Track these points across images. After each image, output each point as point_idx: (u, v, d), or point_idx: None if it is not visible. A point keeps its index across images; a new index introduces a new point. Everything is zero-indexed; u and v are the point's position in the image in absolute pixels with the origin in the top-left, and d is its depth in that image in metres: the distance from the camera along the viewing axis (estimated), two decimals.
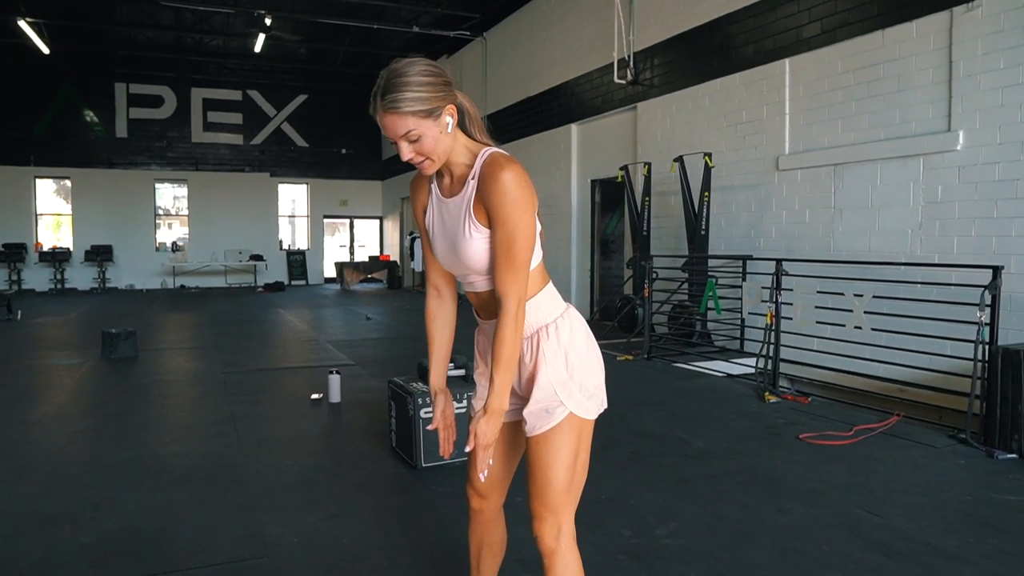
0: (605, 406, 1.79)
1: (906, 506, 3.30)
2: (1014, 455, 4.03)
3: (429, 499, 3.43)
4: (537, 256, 1.72)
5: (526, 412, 1.72)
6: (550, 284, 1.77)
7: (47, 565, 2.73)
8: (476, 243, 1.66)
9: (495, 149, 1.67)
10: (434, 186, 1.78)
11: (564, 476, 1.69)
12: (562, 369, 1.70)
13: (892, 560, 2.73)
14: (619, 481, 3.62)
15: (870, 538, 2.93)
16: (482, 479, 1.81)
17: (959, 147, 5.64)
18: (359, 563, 2.75)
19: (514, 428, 1.88)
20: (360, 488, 3.60)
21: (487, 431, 1.65)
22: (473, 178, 1.65)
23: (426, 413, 3.78)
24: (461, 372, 4.07)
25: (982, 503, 3.35)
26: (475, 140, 1.71)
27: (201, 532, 3.04)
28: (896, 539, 2.92)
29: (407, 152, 1.61)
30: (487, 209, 1.61)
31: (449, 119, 1.62)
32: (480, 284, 1.74)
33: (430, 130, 1.59)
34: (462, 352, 3.90)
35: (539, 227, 1.72)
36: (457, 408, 3.81)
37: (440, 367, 1.92)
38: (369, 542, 2.94)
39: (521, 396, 1.79)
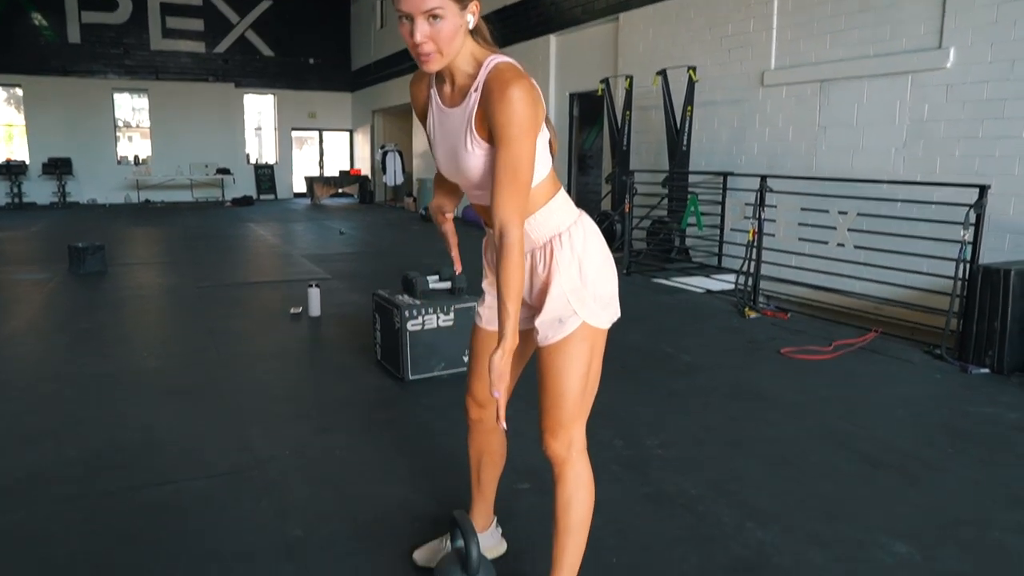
0: (618, 315, 1.74)
1: (887, 419, 3.38)
2: (987, 370, 4.13)
3: (418, 411, 3.42)
4: (547, 165, 1.64)
5: (538, 322, 1.66)
6: (562, 191, 1.69)
7: (34, 480, 2.68)
8: (476, 158, 1.58)
9: (501, 58, 1.54)
10: (434, 92, 1.66)
11: (577, 386, 1.66)
12: (576, 278, 1.64)
13: (877, 470, 2.80)
14: (609, 394, 3.61)
15: (855, 449, 3.00)
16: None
17: (949, 64, 5.55)
18: (352, 475, 2.74)
19: (520, 338, 1.84)
20: (348, 401, 3.59)
21: (502, 363, 1.52)
22: (476, 90, 1.53)
23: (412, 326, 3.74)
24: (447, 285, 4.02)
25: (959, 415, 3.44)
26: (480, 47, 1.58)
27: (189, 445, 3.00)
28: (880, 450, 2.99)
29: (422, 33, 1.45)
30: (490, 126, 1.51)
31: (471, 17, 1.51)
32: (483, 197, 1.65)
33: (453, 17, 1.46)
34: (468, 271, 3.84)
35: (549, 134, 1.63)
36: (444, 320, 3.79)
37: (447, 196, 1.85)
38: (361, 455, 2.93)
39: (531, 306, 1.74)
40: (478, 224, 1.85)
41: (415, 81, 1.74)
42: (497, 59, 1.54)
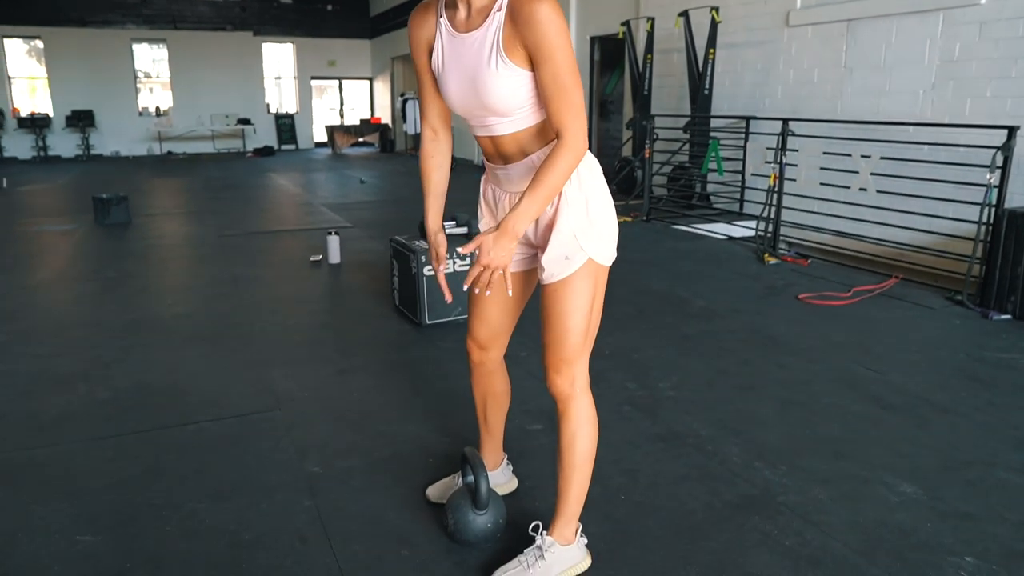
0: (615, 255, 1.74)
1: (902, 363, 3.37)
2: (1008, 316, 4.09)
3: (434, 355, 3.48)
4: None
5: (544, 259, 1.67)
6: None
7: (66, 418, 2.79)
8: (504, 80, 1.54)
9: None
10: (443, 20, 1.63)
11: (582, 323, 1.68)
12: (583, 215, 1.64)
13: (887, 412, 2.82)
14: (622, 337, 3.68)
15: (867, 392, 3.01)
16: (488, 323, 1.73)
17: (983, 0, 5.35)
18: (369, 415, 2.82)
19: (521, 278, 1.86)
20: (366, 345, 3.66)
21: (493, 249, 1.50)
22: (500, 10, 1.51)
23: (429, 271, 3.78)
24: (463, 230, 4.04)
25: (975, 360, 3.43)
26: None
27: (213, 387, 3.09)
28: (892, 393, 3.00)
29: None
30: (526, 46, 1.49)
31: None
32: (501, 126, 1.63)
33: None
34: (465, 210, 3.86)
35: None
36: (461, 265, 3.81)
37: (437, 206, 1.86)
38: (378, 395, 3.01)
39: (535, 245, 1.75)
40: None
41: (419, 15, 1.70)
42: None
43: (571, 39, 1.51)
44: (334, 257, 5.36)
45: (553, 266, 1.66)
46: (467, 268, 3.81)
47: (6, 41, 17.20)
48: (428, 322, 3.82)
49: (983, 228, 4.40)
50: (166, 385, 3.13)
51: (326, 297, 4.68)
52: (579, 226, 1.64)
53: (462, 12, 1.58)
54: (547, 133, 1.61)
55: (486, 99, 1.58)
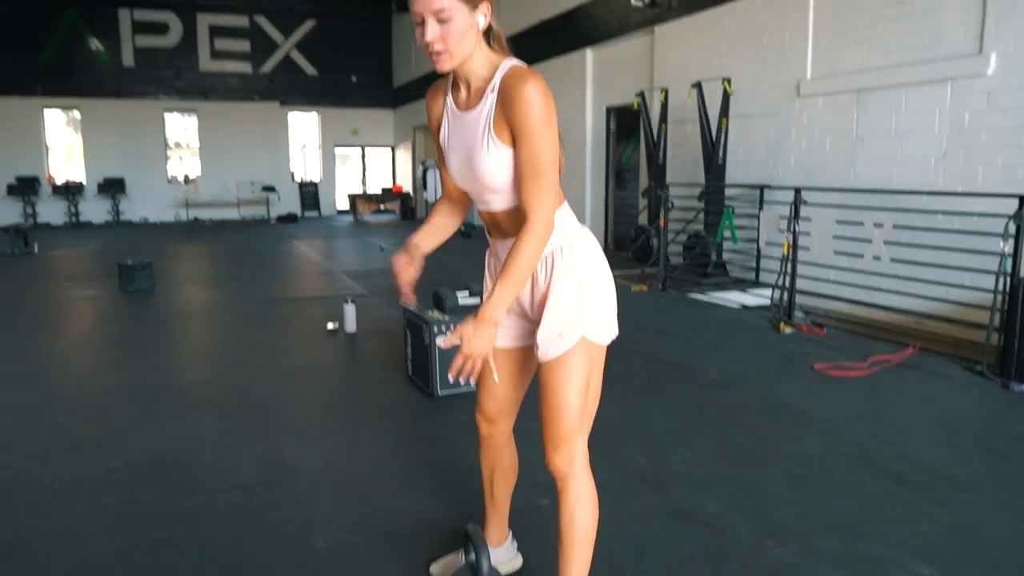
0: (616, 333, 1.76)
1: (920, 436, 3.31)
2: None
3: (445, 426, 3.48)
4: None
5: (538, 336, 1.69)
6: (565, 205, 1.72)
7: (78, 487, 2.81)
8: (494, 159, 1.61)
9: (516, 62, 1.62)
10: (449, 99, 1.72)
11: (577, 402, 1.68)
12: (576, 291, 1.67)
13: (904, 488, 2.76)
14: (634, 409, 3.65)
15: (883, 467, 2.95)
16: (495, 397, 1.74)
17: (990, 71, 5.43)
18: (378, 488, 2.81)
19: (524, 353, 1.88)
20: (378, 416, 3.66)
21: (473, 339, 1.54)
22: (492, 91, 1.60)
23: (441, 342, 3.80)
24: (476, 300, 4.07)
25: (996, 434, 3.36)
26: (496, 53, 1.65)
27: (223, 456, 3.11)
28: (909, 468, 2.94)
29: (431, 33, 1.54)
30: (510, 125, 1.56)
31: (482, 17, 1.59)
32: (495, 202, 1.69)
33: (463, 17, 1.54)
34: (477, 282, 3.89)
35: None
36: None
37: (430, 232, 1.89)
38: (387, 468, 3.00)
39: (532, 320, 1.77)
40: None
41: (431, 95, 1.79)
42: (512, 62, 1.61)
43: (555, 124, 1.57)
44: (350, 326, 5.42)
45: (547, 343, 1.68)
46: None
47: (46, 111, 17.94)
48: (440, 393, 3.82)
49: (999, 297, 4.36)
50: (178, 453, 3.14)
51: (341, 366, 4.71)
52: (572, 303, 1.66)
53: (463, 92, 1.68)
54: None
55: (479, 176, 1.65)
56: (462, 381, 1.59)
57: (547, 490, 2.69)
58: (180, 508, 2.64)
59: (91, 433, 3.40)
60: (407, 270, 1.82)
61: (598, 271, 1.71)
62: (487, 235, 1.82)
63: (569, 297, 1.66)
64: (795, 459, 3.04)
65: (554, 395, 1.69)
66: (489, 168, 1.62)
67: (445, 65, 1.59)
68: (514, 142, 1.58)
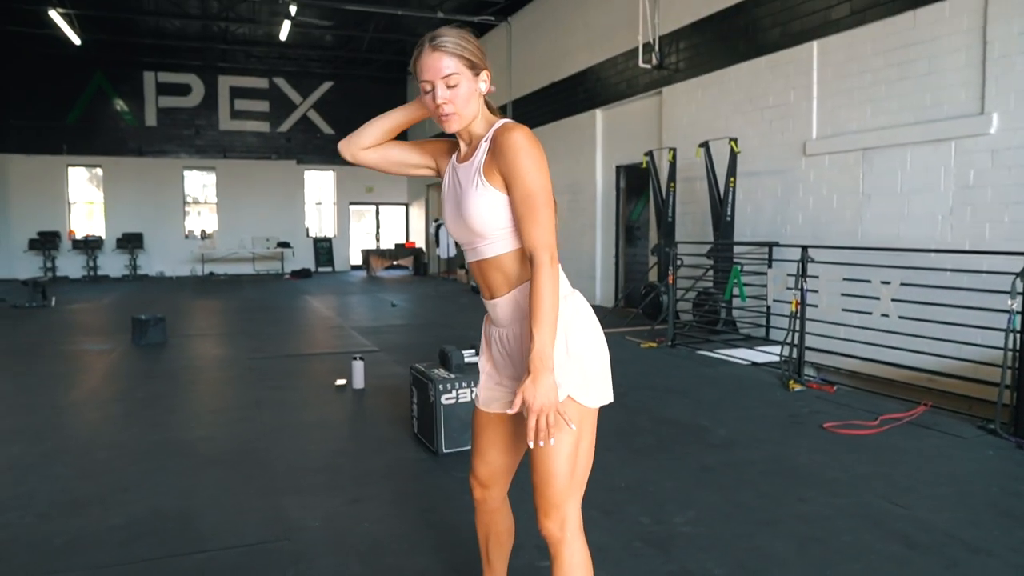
0: (610, 399, 1.74)
1: (931, 497, 3.25)
2: None
3: (449, 485, 3.45)
4: None
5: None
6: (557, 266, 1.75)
7: (78, 545, 2.80)
8: (481, 199, 1.68)
9: (509, 120, 1.73)
10: (454, 157, 1.83)
11: (565, 466, 1.67)
12: (561, 350, 1.66)
13: (914, 552, 2.70)
14: (640, 468, 3.61)
15: (892, 529, 2.90)
16: (488, 463, 1.76)
17: (992, 130, 5.50)
18: (379, 548, 2.78)
19: (516, 420, 1.87)
20: (382, 473, 3.64)
21: (537, 395, 1.52)
22: (486, 141, 1.71)
23: (447, 400, 3.81)
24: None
25: (1010, 495, 3.30)
26: (493, 115, 1.78)
27: (225, 515, 3.09)
28: (919, 530, 2.88)
29: (442, 96, 1.65)
30: (502, 171, 1.65)
31: (483, 84, 1.71)
32: (483, 248, 1.73)
33: (468, 83, 1.67)
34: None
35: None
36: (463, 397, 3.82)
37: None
38: (389, 527, 2.97)
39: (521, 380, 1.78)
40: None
41: (448, 141, 1.90)
42: (506, 120, 1.73)
43: (546, 167, 1.64)
44: (358, 382, 5.43)
45: None
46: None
47: (71, 169, 18.43)
48: (445, 451, 3.81)
49: (1010, 354, 4.32)
50: (179, 511, 3.13)
51: (346, 423, 4.71)
52: (557, 361, 1.64)
53: (463, 146, 1.79)
54: (528, 262, 1.68)
55: (467, 218, 1.71)
56: (542, 443, 1.56)
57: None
58: (180, 567, 2.62)
59: (94, 489, 3.40)
60: None
61: (587, 333, 1.72)
62: (482, 297, 1.85)
63: (555, 357, 1.67)
64: (802, 520, 2.99)
65: (542, 460, 1.68)
66: (476, 209, 1.68)
67: (453, 125, 1.70)
68: (508, 188, 1.65)
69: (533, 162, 1.61)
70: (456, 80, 1.64)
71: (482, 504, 1.97)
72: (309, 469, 3.71)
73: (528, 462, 1.75)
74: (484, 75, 1.70)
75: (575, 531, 1.71)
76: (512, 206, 1.65)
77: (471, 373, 3.92)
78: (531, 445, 1.57)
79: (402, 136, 1.97)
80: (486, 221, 1.69)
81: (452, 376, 3.88)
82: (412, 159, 1.89)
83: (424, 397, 3.98)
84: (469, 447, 3.80)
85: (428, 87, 1.67)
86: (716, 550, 2.70)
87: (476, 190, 1.68)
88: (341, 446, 4.15)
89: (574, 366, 1.68)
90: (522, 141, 1.61)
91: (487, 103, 1.77)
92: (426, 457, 3.86)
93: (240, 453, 3.97)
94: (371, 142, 1.86)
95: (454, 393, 3.83)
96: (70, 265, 17.95)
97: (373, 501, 3.26)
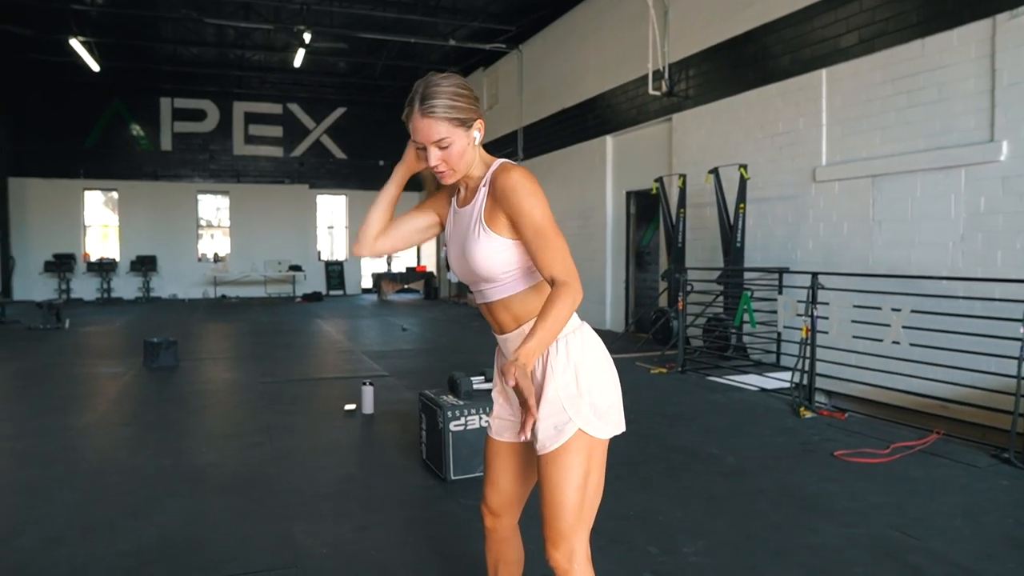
0: (622, 429, 1.76)
1: (944, 528, 3.22)
2: None
3: (457, 512, 3.44)
4: None
5: (537, 428, 1.70)
6: None
7: (87, 570, 2.81)
8: (485, 246, 1.69)
9: (505, 160, 1.74)
10: (454, 200, 1.85)
11: (575, 497, 1.68)
12: (572, 384, 1.69)
13: None
14: (648, 497, 3.60)
15: (904, 561, 2.86)
16: (499, 491, 1.78)
17: (1003, 157, 5.51)
18: (386, 574, 2.77)
19: (528, 449, 1.88)
20: (390, 500, 3.64)
21: (516, 372, 1.48)
22: (484, 186, 1.72)
23: (455, 427, 3.81)
24: (491, 386, 4.08)
25: None
26: (489, 156, 1.79)
27: (234, 541, 3.10)
28: (932, 562, 2.85)
29: (435, 157, 1.68)
30: (506, 213, 1.66)
31: (477, 133, 1.71)
32: (490, 292, 1.76)
33: (460, 139, 1.67)
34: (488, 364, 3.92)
35: None
36: (487, 421, 3.82)
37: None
38: (397, 554, 2.97)
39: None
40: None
41: (445, 192, 1.92)
42: (503, 160, 1.74)
43: (546, 201, 1.65)
44: (367, 407, 5.44)
45: (544, 437, 1.69)
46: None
47: (87, 193, 18.68)
48: (453, 478, 3.80)
49: (1022, 383, 4.28)
50: (189, 537, 3.14)
51: (355, 448, 4.71)
52: (567, 395, 1.67)
53: (462, 191, 1.81)
54: (535, 301, 1.71)
55: (472, 264, 1.73)
56: (510, 381, 1.48)
57: None
58: None
59: (105, 515, 3.41)
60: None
61: (596, 365, 1.73)
62: (493, 332, 1.87)
63: (565, 390, 1.69)
64: (813, 552, 2.96)
65: (552, 490, 1.69)
66: (481, 256, 1.70)
67: (449, 179, 1.73)
68: (516, 228, 1.66)
69: (535, 199, 1.63)
70: (448, 142, 1.67)
71: (493, 532, 1.97)
72: (318, 495, 3.71)
73: (537, 492, 1.76)
74: (477, 124, 1.71)
75: (583, 562, 1.71)
76: (525, 244, 1.65)
77: (480, 400, 3.93)
78: (522, 438, 1.50)
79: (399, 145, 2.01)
80: (491, 267, 1.71)
81: (461, 403, 3.88)
82: (420, 223, 1.92)
83: (433, 423, 3.99)
84: (477, 474, 3.82)
85: (421, 146, 1.70)
86: None
87: (479, 238, 1.70)
88: (350, 472, 4.15)
89: (584, 401, 1.69)
90: (520, 181, 1.63)
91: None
92: (434, 484, 3.85)
93: (249, 479, 3.98)
94: (379, 226, 1.89)
95: (463, 420, 3.83)
96: (84, 287, 18.13)
97: (382, 528, 3.26)
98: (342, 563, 2.88)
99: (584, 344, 1.73)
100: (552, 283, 1.59)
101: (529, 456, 1.89)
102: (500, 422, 1.90)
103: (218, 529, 3.24)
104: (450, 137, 1.66)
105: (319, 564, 2.87)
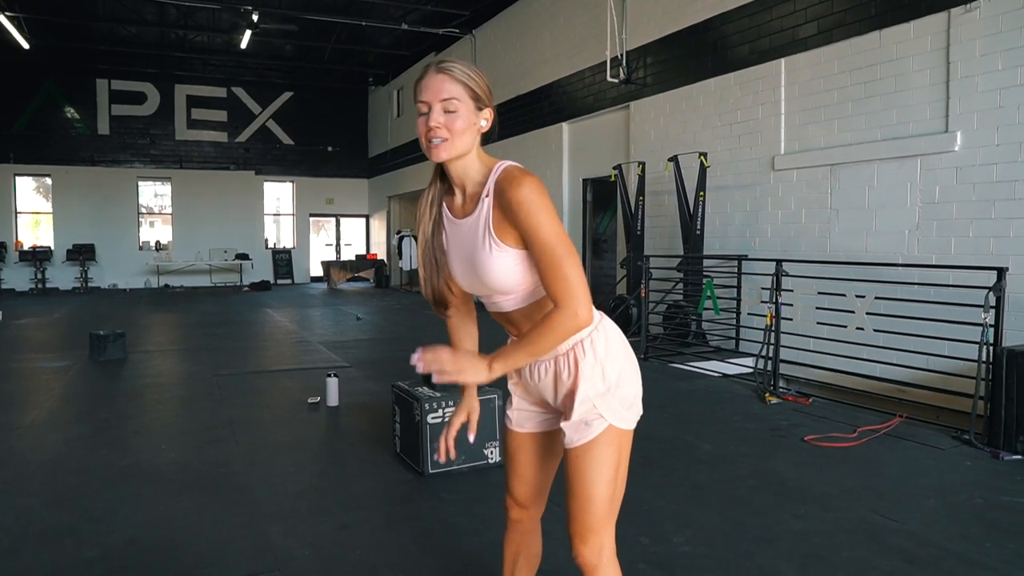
0: (641, 413, 1.75)
1: (919, 510, 3.29)
2: (1019, 456, 4.04)
3: (439, 507, 3.37)
4: None
5: (565, 425, 1.68)
6: None
7: None
8: (498, 261, 1.59)
9: (508, 163, 1.61)
10: (444, 209, 1.71)
11: (605, 490, 1.66)
12: (600, 383, 1.66)
13: (913, 567, 2.72)
14: (632, 488, 3.51)
15: (889, 543, 2.91)
16: (526, 481, 1.78)
17: (957, 148, 5.66)
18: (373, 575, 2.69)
19: (549, 437, 1.86)
20: (368, 496, 3.54)
21: (463, 366, 1.50)
22: (488, 195, 1.59)
23: (433, 419, 3.73)
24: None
25: (994, 506, 3.35)
26: (488, 157, 1.67)
27: (209, 545, 2.96)
28: (914, 544, 2.90)
29: (436, 118, 1.56)
30: (515, 227, 1.55)
31: (484, 121, 1.62)
32: (506, 304, 1.68)
33: (468, 113, 1.57)
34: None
35: None
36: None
37: (466, 340, 1.94)
38: (382, 553, 2.88)
39: (556, 408, 1.77)
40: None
41: (423, 199, 1.77)
42: (505, 164, 1.61)
43: (556, 214, 1.56)
44: (332, 400, 5.30)
45: (573, 432, 1.67)
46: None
47: (18, 179, 17.80)
48: (431, 471, 3.72)
49: (983, 366, 4.42)
50: (159, 541, 2.99)
51: (325, 442, 4.58)
52: (596, 394, 1.65)
53: (458, 198, 1.68)
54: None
55: (486, 279, 1.64)
56: (420, 367, 1.50)
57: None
58: None
59: (64, 521, 3.22)
60: (459, 420, 1.92)
61: (620, 359, 1.70)
62: (508, 333, 1.81)
63: (594, 389, 1.65)
64: (800, 537, 2.99)
65: (582, 484, 1.65)
66: (494, 270, 1.61)
67: (442, 154, 1.59)
68: (524, 243, 1.56)
69: (544, 215, 1.51)
70: (455, 106, 1.55)
71: (518, 524, 1.93)
72: (291, 493, 3.59)
73: (562, 488, 1.71)
74: (487, 112, 1.61)
75: (611, 556, 1.70)
76: (534, 260, 1.56)
77: (457, 391, 3.84)
78: (416, 367, 1.49)
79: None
80: (508, 281, 1.62)
81: (438, 395, 3.80)
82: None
83: (408, 416, 3.89)
84: (455, 468, 3.75)
85: (424, 108, 1.57)
86: (721, 571, 2.68)
87: (491, 252, 1.59)
88: (322, 467, 4.03)
89: (613, 397, 1.67)
90: (529, 195, 1.51)
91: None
92: (412, 478, 3.77)
93: (217, 477, 3.82)
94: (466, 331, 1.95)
95: (440, 411, 3.75)
96: (17, 278, 17.31)
97: (363, 526, 3.16)
98: (326, 564, 2.78)
99: (607, 339, 1.69)
100: (555, 304, 1.52)
101: (549, 444, 1.87)
102: (520, 413, 1.86)
103: (191, 532, 3.09)
104: (459, 102, 1.56)
105: (302, 566, 2.77)
